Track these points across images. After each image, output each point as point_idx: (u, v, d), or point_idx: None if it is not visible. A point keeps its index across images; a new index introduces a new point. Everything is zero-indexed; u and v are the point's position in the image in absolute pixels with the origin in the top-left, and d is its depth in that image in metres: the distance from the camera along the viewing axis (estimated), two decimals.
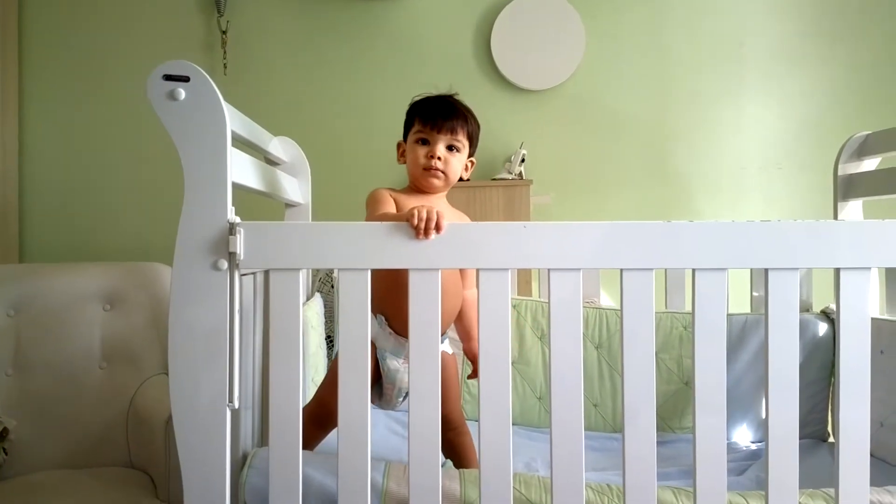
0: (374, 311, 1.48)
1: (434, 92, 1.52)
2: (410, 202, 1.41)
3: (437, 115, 1.44)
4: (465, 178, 1.54)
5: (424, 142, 1.46)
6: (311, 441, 1.42)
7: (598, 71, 2.79)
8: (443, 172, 1.45)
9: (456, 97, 1.52)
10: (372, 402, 1.53)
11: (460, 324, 1.58)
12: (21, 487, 1.67)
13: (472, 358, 1.55)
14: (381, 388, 1.50)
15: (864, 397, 1.13)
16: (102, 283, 1.97)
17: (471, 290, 1.54)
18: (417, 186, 1.49)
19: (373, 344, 1.48)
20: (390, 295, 1.34)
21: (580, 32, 2.74)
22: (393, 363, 1.46)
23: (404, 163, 1.51)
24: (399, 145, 1.54)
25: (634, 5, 2.79)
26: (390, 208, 1.41)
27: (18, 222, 2.75)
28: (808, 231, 1.12)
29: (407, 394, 1.53)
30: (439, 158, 1.44)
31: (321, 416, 1.40)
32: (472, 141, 1.50)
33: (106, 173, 2.80)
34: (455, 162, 1.46)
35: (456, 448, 1.52)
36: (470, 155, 1.52)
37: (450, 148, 1.45)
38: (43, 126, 2.79)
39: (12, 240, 2.72)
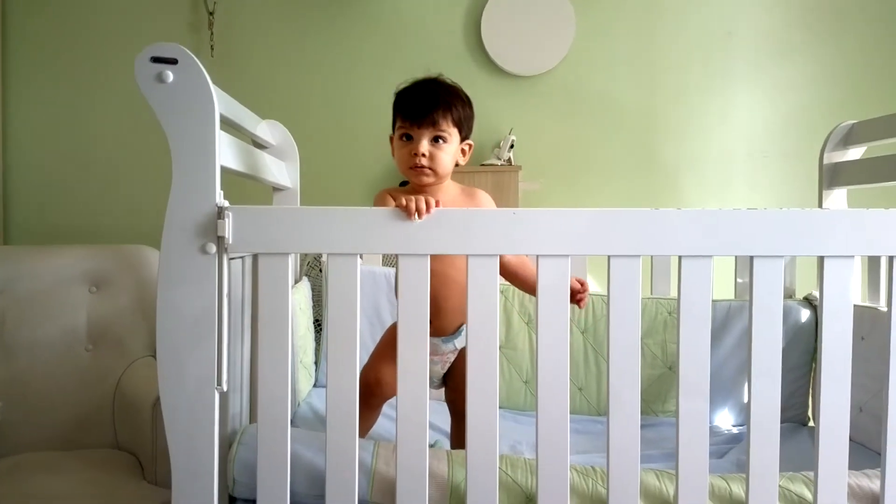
0: None
1: (418, 76, 1.44)
2: None
3: (416, 109, 1.36)
4: (462, 163, 1.45)
5: (408, 137, 1.38)
6: (363, 422, 1.31)
7: (587, 58, 2.79)
8: (430, 168, 1.38)
9: (440, 79, 1.43)
10: None
11: (523, 283, 1.51)
12: (7, 469, 1.67)
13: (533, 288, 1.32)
14: None
15: (845, 383, 1.15)
16: (88, 266, 1.96)
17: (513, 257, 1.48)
18: (412, 183, 1.44)
19: None
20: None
21: (570, 19, 2.74)
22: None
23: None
24: (391, 139, 1.46)
25: None
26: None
27: (2, 205, 2.73)
28: (792, 219, 1.14)
29: (439, 380, 1.55)
30: (423, 155, 1.36)
31: (363, 394, 1.31)
32: (462, 125, 1.41)
33: (91, 156, 2.77)
34: (442, 154, 1.37)
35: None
36: (465, 138, 1.43)
37: (435, 140, 1.37)
38: (27, 108, 2.75)
39: None
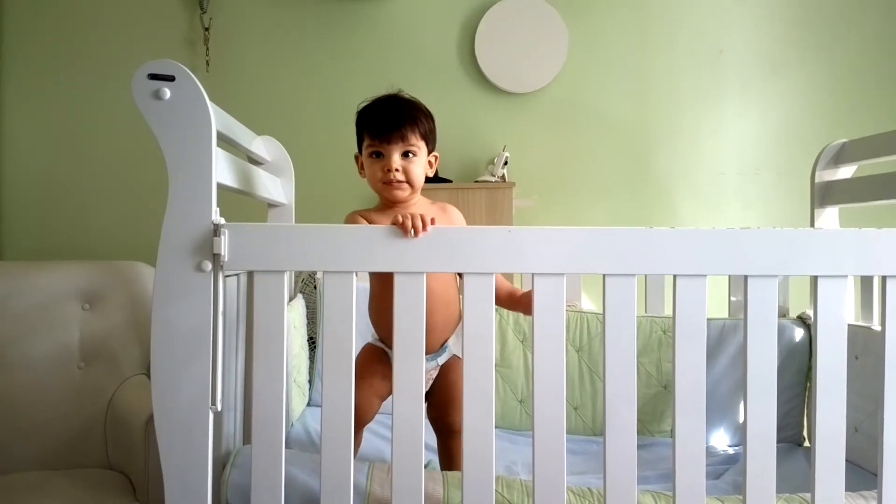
0: (380, 336, 1.49)
1: (379, 94, 1.46)
2: (383, 218, 1.39)
3: (384, 126, 1.38)
4: (430, 175, 1.48)
5: (378, 154, 1.41)
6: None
7: (580, 75, 2.82)
8: (405, 182, 1.40)
9: (401, 95, 1.45)
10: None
11: (502, 296, 1.50)
12: None
13: (528, 304, 1.39)
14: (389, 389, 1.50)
15: (841, 403, 1.15)
16: (81, 282, 1.95)
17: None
18: (386, 199, 1.46)
19: (387, 355, 1.47)
20: (386, 317, 1.30)
21: (563, 37, 2.76)
22: None
23: (365, 177, 1.46)
24: (357, 158, 1.49)
25: (616, 11, 2.82)
26: None
27: None
28: (786, 239, 1.14)
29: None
30: (397, 170, 1.39)
31: None
32: (429, 138, 1.44)
33: (86, 170, 2.77)
34: (414, 168, 1.41)
35: (456, 456, 1.49)
36: (431, 150, 1.46)
37: (406, 154, 1.40)
38: (22, 122, 2.75)
39: None
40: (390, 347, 1.44)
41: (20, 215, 2.75)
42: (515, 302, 1.50)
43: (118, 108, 2.72)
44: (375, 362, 1.48)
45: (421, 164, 1.43)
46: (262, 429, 1.13)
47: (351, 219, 1.42)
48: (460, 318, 1.50)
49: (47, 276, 1.94)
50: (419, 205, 1.48)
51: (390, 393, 1.48)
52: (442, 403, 1.51)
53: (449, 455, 1.52)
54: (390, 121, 1.38)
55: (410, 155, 1.41)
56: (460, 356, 1.53)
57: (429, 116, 1.45)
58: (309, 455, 1.28)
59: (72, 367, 1.89)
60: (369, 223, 1.39)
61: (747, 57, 2.83)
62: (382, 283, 1.24)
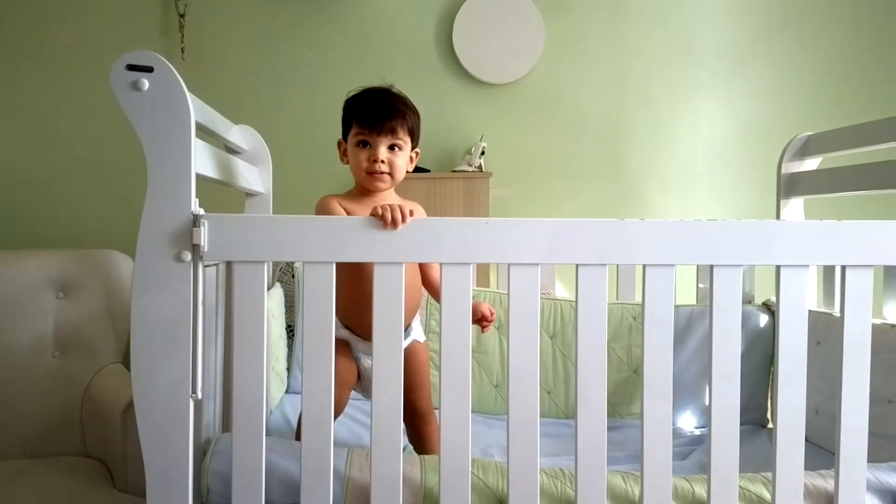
0: (341, 321, 1.50)
1: (370, 85, 1.49)
2: (361, 208, 1.43)
3: (375, 117, 1.41)
4: (410, 170, 1.52)
5: (365, 144, 1.44)
6: None
7: (556, 67, 2.84)
8: (388, 174, 1.44)
9: (393, 89, 1.49)
10: (360, 394, 1.60)
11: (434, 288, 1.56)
12: None
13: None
14: (357, 378, 1.54)
15: (802, 386, 1.20)
16: (55, 271, 1.94)
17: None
18: (364, 188, 1.49)
19: (349, 344, 1.51)
20: (350, 304, 1.36)
21: (540, 29, 2.79)
22: (368, 362, 1.49)
23: (347, 163, 1.49)
24: (339, 144, 1.52)
25: (593, 5, 2.85)
26: None
27: None
28: (751, 230, 1.19)
29: None
30: (382, 162, 1.42)
31: None
32: (414, 134, 1.48)
33: (59, 160, 2.73)
34: (398, 161, 1.45)
35: (423, 437, 1.56)
36: (414, 146, 1.50)
37: (392, 147, 1.44)
38: None
39: None
40: (353, 332, 1.47)
41: None
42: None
43: (91, 96, 2.68)
44: (338, 354, 1.51)
45: (405, 159, 1.47)
46: (242, 417, 1.15)
47: (325, 202, 1.44)
48: (419, 303, 1.54)
49: (21, 265, 1.93)
50: (391, 197, 1.50)
51: (355, 380, 1.52)
52: (407, 388, 1.53)
53: (418, 436, 1.56)
54: (382, 113, 1.42)
55: (396, 149, 1.45)
56: (421, 341, 1.57)
57: (416, 114, 1.49)
58: (289, 441, 1.30)
59: (46, 356, 1.89)
60: (345, 209, 1.43)
61: (718, 51, 2.88)
62: (347, 269, 1.26)
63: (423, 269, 1.55)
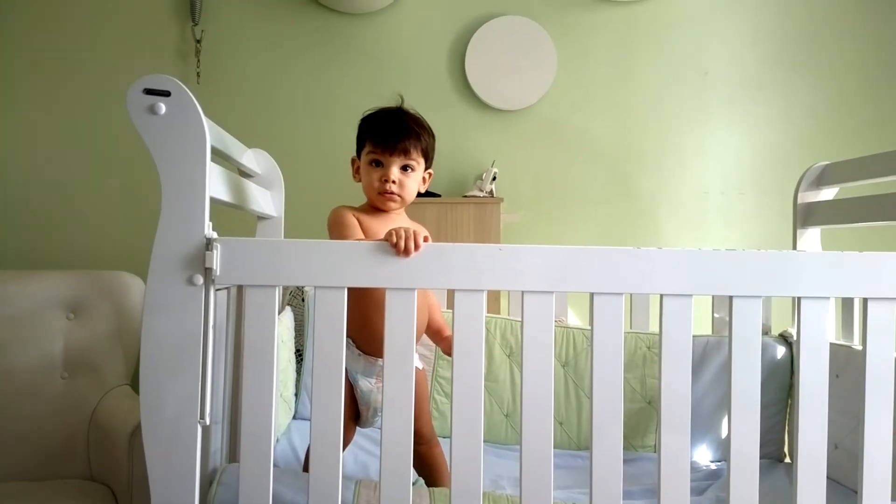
0: (356, 343, 1.48)
1: (386, 104, 1.49)
2: (373, 222, 1.43)
3: (389, 137, 1.41)
4: (422, 191, 1.51)
5: (378, 163, 1.43)
6: None
7: (568, 94, 2.85)
8: (399, 195, 1.44)
9: (409, 109, 1.49)
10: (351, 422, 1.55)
11: (430, 328, 1.57)
12: None
13: (449, 347, 1.43)
14: (357, 409, 1.50)
15: (822, 420, 1.17)
16: (66, 292, 1.94)
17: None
18: (374, 206, 1.48)
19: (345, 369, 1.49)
20: (357, 316, 1.34)
21: (552, 56, 2.80)
22: (365, 384, 1.46)
23: (360, 181, 1.49)
24: (353, 161, 1.52)
25: (604, 32, 2.86)
26: (356, 230, 1.40)
27: None
28: (771, 260, 1.17)
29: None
30: (394, 182, 1.42)
31: None
32: (428, 155, 1.47)
33: (73, 180, 2.75)
34: (410, 182, 1.44)
35: (427, 461, 1.53)
36: (427, 167, 1.49)
37: (404, 168, 1.43)
38: (8, 130, 2.73)
39: None
40: (356, 346, 1.46)
41: (4, 224, 2.72)
42: (441, 339, 1.58)
43: (108, 119, 2.71)
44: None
45: (417, 180, 1.47)
46: (250, 447, 1.12)
47: (339, 211, 1.44)
48: (425, 327, 1.53)
49: (32, 286, 1.93)
50: (401, 220, 1.49)
51: (357, 413, 1.50)
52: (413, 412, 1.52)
53: (422, 462, 1.52)
54: (396, 133, 1.41)
55: (409, 169, 1.44)
56: (420, 367, 1.55)
57: (431, 135, 1.48)
58: (296, 472, 1.28)
59: (55, 377, 1.88)
60: (360, 222, 1.42)
61: (732, 78, 2.88)
62: (357, 292, 1.25)
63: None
